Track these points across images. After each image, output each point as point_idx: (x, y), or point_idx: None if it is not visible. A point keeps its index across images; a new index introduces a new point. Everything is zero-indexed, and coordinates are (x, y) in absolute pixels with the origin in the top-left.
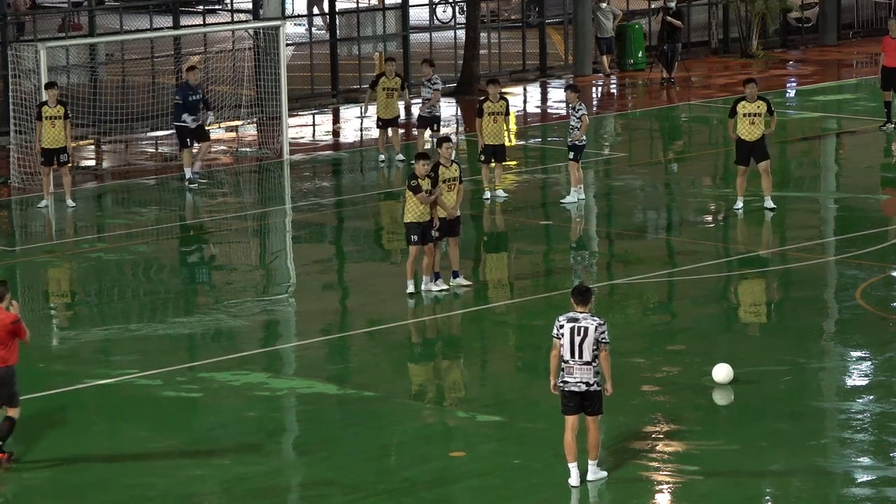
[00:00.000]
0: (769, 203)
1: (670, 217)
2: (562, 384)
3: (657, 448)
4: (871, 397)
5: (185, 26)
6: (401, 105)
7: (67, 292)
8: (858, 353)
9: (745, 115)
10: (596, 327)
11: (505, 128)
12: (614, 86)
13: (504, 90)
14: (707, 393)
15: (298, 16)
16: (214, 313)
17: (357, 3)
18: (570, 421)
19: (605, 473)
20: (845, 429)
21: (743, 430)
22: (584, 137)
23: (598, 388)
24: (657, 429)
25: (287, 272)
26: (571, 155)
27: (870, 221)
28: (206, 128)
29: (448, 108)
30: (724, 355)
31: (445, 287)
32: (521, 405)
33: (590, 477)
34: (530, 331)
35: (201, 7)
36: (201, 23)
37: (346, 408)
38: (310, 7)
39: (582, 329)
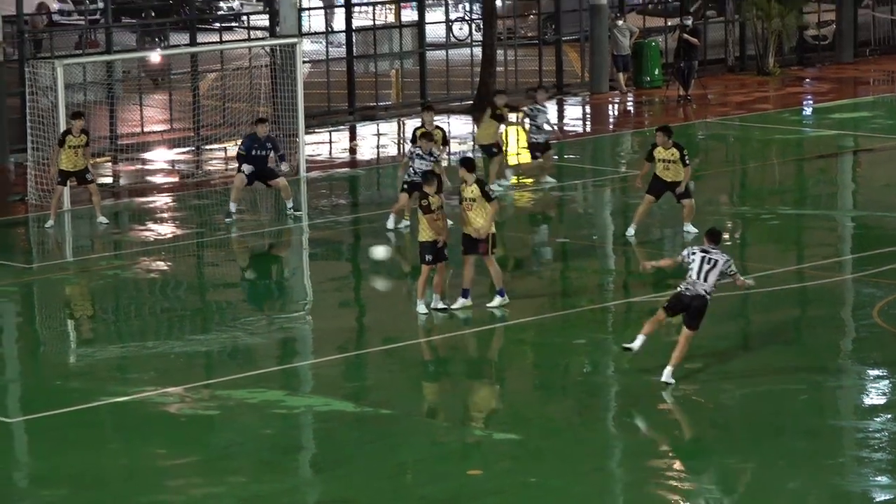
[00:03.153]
0: (689, 228)
1: (685, 235)
2: (684, 290)
3: (674, 466)
4: (889, 416)
5: (201, 43)
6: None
7: (84, 309)
8: (876, 372)
9: (659, 160)
10: (724, 261)
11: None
12: (631, 103)
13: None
14: (724, 411)
15: (315, 33)
16: (231, 331)
17: (374, 20)
18: (661, 315)
19: (673, 381)
20: (862, 447)
21: (760, 448)
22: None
23: (706, 304)
24: (675, 447)
25: (304, 289)
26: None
27: (887, 239)
28: (277, 171)
29: (465, 126)
30: (741, 372)
31: (456, 306)
32: (537, 423)
33: (664, 378)
34: (546, 348)
35: (218, 24)
36: (218, 40)
37: (362, 426)
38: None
39: (712, 260)
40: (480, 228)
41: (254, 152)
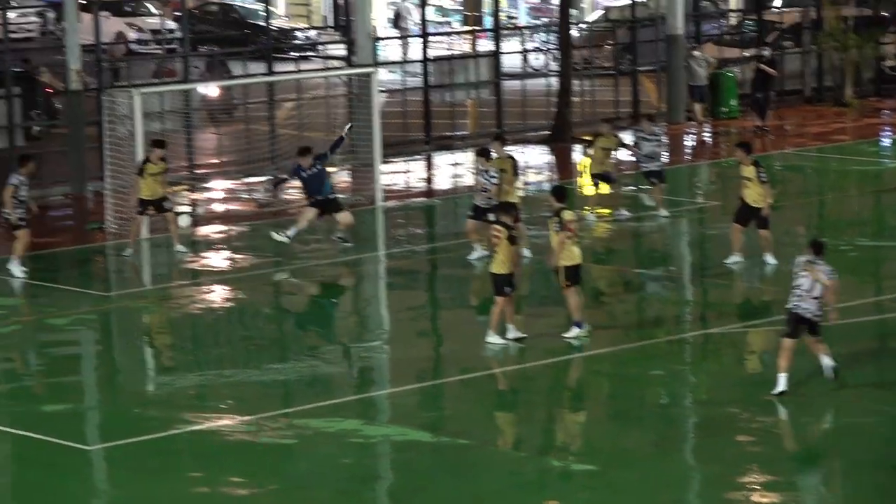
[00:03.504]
0: (769, 259)
1: (764, 266)
2: (794, 307)
3: (752, 499)
4: None
5: (278, 72)
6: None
7: (162, 337)
8: None
9: (741, 177)
10: (829, 272)
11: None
12: (707, 134)
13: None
14: (803, 443)
15: (391, 62)
16: (308, 360)
17: (450, 50)
18: (788, 343)
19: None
20: None
21: (840, 481)
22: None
23: (821, 319)
24: (753, 479)
25: (381, 319)
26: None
27: None
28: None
29: (542, 156)
30: (820, 405)
31: (524, 335)
32: (614, 454)
33: (827, 363)
34: (623, 379)
35: (294, 54)
36: (294, 69)
37: (439, 455)
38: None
39: None
40: (552, 258)
41: (303, 174)
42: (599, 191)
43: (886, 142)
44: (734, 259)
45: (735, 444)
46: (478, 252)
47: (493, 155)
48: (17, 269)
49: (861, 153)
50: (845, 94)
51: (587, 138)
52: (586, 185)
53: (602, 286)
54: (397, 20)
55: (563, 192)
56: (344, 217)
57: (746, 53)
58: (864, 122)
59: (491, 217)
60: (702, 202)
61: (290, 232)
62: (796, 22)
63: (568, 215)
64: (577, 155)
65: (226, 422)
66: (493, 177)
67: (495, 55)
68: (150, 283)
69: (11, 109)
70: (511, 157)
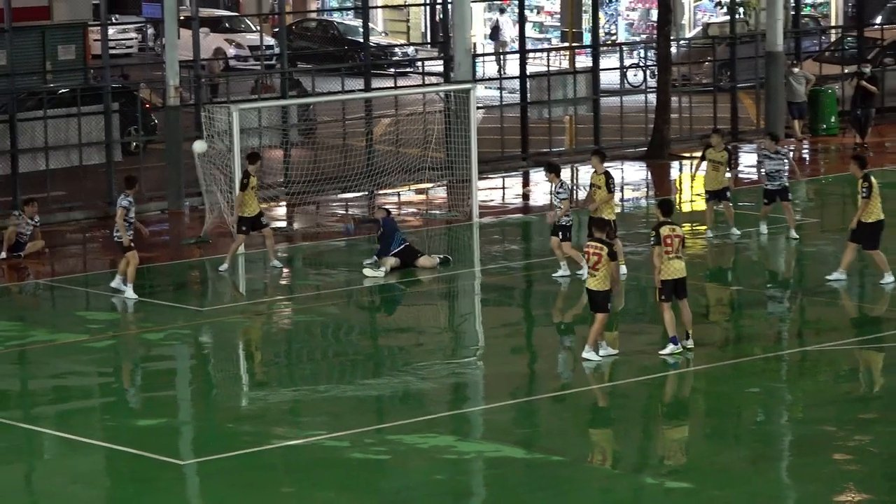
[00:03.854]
0: (887, 278)
1: (863, 284)
2: None
3: None
4: None
5: (376, 88)
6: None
7: (256, 352)
8: None
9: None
10: None
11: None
12: (806, 151)
13: (696, 154)
14: None
15: (489, 79)
16: (402, 375)
17: (548, 66)
18: None
19: None
20: None
21: None
22: (569, 217)
23: None
24: (848, 498)
25: (475, 335)
26: (560, 235)
27: None
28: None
29: (639, 173)
30: None
31: (616, 352)
32: (710, 472)
33: None
34: (717, 397)
35: (392, 70)
36: (392, 85)
37: (533, 472)
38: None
39: None
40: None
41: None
42: (713, 206)
43: None
44: (836, 276)
45: (831, 463)
46: (562, 269)
47: (594, 168)
48: (131, 293)
49: None
50: None
51: (696, 155)
52: (686, 202)
53: (700, 303)
54: (495, 33)
55: (670, 206)
56: (424, 262)
57: (846, 70)
58: None
59: (559, 234)
60: (800, 219)
61: (383, 269)
62: None
63: (666, 230)
64: (675, 172)
65: (319, 437)
66: (560, 193)
67: (593, 71)
68: (245, 298)
69: (110, 125)
70: (606, 173)
